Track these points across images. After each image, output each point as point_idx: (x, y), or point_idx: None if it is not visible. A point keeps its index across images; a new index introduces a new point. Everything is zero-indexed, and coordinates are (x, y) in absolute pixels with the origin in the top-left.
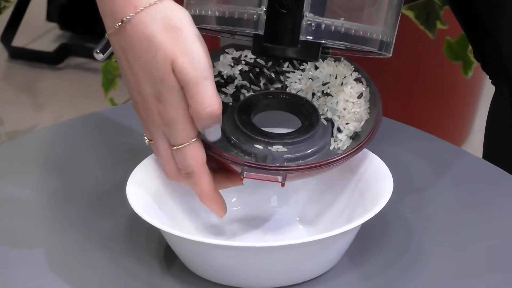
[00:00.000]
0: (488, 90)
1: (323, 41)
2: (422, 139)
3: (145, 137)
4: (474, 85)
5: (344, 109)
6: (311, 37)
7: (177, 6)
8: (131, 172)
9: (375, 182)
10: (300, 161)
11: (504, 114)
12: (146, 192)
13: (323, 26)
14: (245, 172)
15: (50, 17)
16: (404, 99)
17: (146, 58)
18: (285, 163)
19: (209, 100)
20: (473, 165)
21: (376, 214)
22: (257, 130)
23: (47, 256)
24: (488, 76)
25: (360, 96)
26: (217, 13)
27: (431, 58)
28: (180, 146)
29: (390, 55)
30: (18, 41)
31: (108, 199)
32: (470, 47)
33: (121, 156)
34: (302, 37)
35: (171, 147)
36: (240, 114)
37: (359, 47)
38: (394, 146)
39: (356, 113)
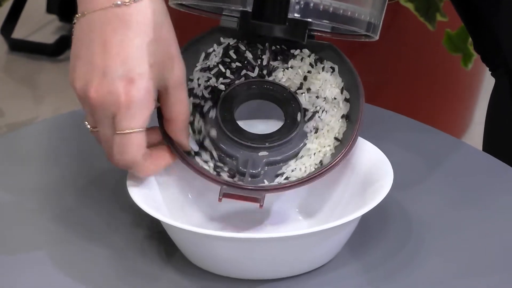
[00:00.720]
0: (488, 82)
1: (310, 20)
2: (421, 132)
3: (88, 125)
4: (474, 77)
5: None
6: (299, 15)
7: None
8: None
9: (375, 174)
10: (282, 163)
11: (504, 106)
12: (146, 184)
13: (311, 4)
14: (224, 192)
15: (50, 9)
16: (404, 91)
17: (143, 40)
18: (266, 167)
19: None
20: (473, 158)
21: (375, 206)
22: (239, 131)
23: (47, 248)
24: (488, 68)
25: (336, 141)
26: None
27: (431, 50)
28: (129, 131)
29: (377, 37)
30: (18, 33)
31: (108, 191)
32: (470, 39)
33: None
34: (290, 15)
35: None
36: (222, 110)
37: (347, 27)
38: (394, 138)
39: (323, 151)
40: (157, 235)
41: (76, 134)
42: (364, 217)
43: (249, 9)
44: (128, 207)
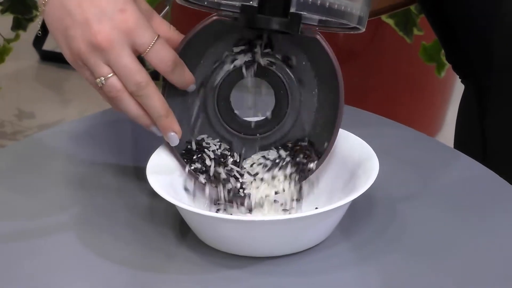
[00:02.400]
0: (458, 88)
1: (306, 13)
2: (401, 131)
3: (101, 78)
4: (446, 84)
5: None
6: (299, 10)
7: None
8: (150, 156)
9: (363, 166)
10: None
11: (471, 109)
12: (163, 173)
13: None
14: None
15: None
16: (386, 95)
17: None
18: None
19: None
20: (444, 153)
21: (363, 194)
22: (235, 119)
23: (76, 230)
24: (458, 76)
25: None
26: None
27: (409, 60)
28: (152, 44)
29: (364, 29)
30: (48, 45)
31: (130, 181)
32: (443, 51)
33: (139, 143)
34: (292, 9)
35: (137, 55)
36: (219, 99)
37: (341, 21)
38: (377, 136)
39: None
40: (172, 218)
41: (99, 134)
42: (353, 203)
43: (254, 3)
44: (147, 194)
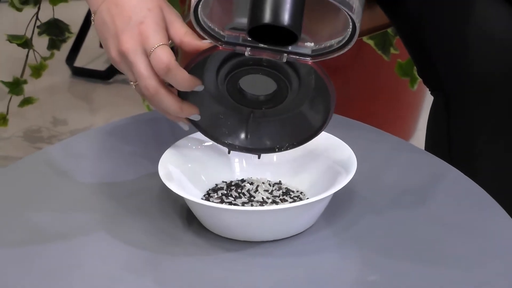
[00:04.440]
0: (428, 99)
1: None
2: (378, 135)
3: (131, 82)
4: (418, 95)
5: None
6: None
7: None
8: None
9: (343, 163)
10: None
11: (439, 117)
12: (173, 169)
13: None
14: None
15: (102, 45)
16: (366, 105)
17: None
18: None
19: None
20: (416, 155)
21: (343, 187)
22: (243, 98)
23: (101, 215)
24: (428, 89)
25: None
26: None
27: (386, 75)
28: (153, 48)
29: (354, 42)
30: (79, 62)
31: (146, 176)
32: (415, 67)
33: (154, 145)
34: None
35: (149, 59)
36: (229, 84)
37: (341, 7)
38: (357, 139)
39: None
40: (180, 207)
41: (122, 137)
42: (335, 196)
43: None
44: (160, 186)
